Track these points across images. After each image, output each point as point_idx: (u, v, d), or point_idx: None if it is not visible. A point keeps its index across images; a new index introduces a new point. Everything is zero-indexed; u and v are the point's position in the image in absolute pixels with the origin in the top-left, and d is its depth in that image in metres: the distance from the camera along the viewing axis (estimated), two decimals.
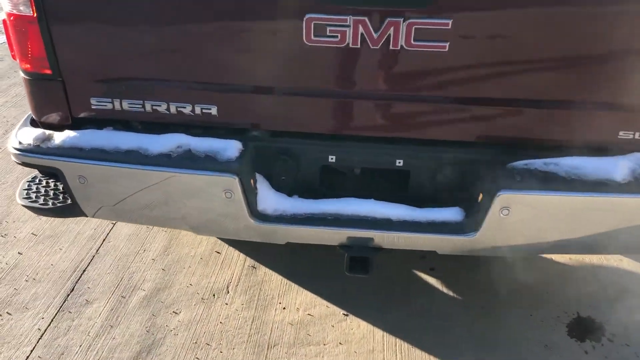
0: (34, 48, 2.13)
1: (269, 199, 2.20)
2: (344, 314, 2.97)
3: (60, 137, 2.18)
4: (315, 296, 3.07)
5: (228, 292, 3.09)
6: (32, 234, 3.49)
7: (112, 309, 2.96)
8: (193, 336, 2.81)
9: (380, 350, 2.75)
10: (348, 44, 1.96)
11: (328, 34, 1.95)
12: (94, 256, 3.33)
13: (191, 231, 2.30)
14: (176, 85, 2.15)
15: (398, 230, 2.12)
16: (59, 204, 2.27)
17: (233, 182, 2.08)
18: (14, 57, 2.24)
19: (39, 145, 2.17)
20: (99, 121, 2.26)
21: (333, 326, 2.89)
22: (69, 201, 2.27)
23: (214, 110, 2.16)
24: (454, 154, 2.15)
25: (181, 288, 3.11)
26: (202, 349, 2.75)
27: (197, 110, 2.17)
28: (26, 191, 2.33)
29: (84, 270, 3.22)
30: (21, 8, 2.05)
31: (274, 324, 2.90)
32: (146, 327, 2.86)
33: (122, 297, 3.04)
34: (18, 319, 2.88)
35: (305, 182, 2.26)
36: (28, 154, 2.17)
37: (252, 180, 2.16)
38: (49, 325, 2.86)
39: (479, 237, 2.11)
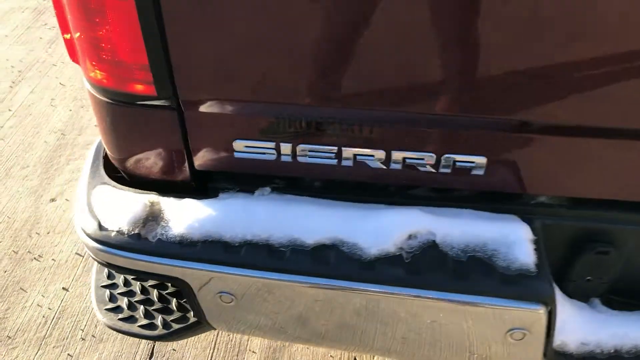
0: (121, 45, 1.03)
1: (569, 319, 1.19)
2: None
3: (180, 217, 1.12)
4: None
5: None
6: (76, 255, 2.49)
7: None
8: None
9: None
10: None
11: None
12: None
13: None
14: (412, 119, 1.07)
15: None
16: (176, 324, 1.25)
17: (535, 317, 1.06)
18: (72, 57, 1.14)
19: (139, 236, 1.11)
20: (243, 178, 1.19)
21: None
22: (193, 319, 1.25)
23: (478, 162, 1.10)
24: None
25: (304, 347, 2.16)
26: None
27: (446, 163, 1.10)
28: (108, 291, 1.30)
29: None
30: None
31: None
32: None
33: None
34: None
35: (629, 284, 1.23)
36: (121, 253, 1.12)
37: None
38: None
39: None
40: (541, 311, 1.05)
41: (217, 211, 1.12)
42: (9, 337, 2.17)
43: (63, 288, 2.35)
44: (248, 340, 2.17)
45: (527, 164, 1.10)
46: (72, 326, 2.21)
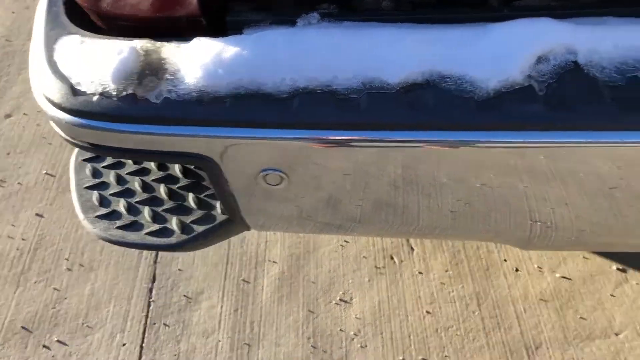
0: None
1: None
2: (618, 269, 1.80)
3: (194, 65, 0.74)
4: None
5: (412, 249, 1.86)
6: (47, 172, 2.10)
7: (235, 310, 1.74)
8: (386, 352, 1.63)
9: None
10: None
11: None
12: None
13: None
14: None
15: None
16: (199, 226, 0.90)
17: None
18: None
19: (135, 96, 0.73)
20: (275, 3, 0.81)
21: (613, 295, 1.74)
22: (221, 217, 0.90)
23: None
24: None
25: (332, 251, 1.86)
26: None
27: None
28: (97, 193, 0.93)
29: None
30: None
31: (516, 303, 1.73)
32: (308, 344, 1.66)
33: (244, 281, 1.80)
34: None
35: None
36: (109, 125, 0.74)
37: None
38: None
39: None
40: None
41: (249, 50, 0.73)
42: None
43: (36, 214, 1.97)
44: (265, 250, 1.86)
45: None
46: (54, 256, 1.86)
